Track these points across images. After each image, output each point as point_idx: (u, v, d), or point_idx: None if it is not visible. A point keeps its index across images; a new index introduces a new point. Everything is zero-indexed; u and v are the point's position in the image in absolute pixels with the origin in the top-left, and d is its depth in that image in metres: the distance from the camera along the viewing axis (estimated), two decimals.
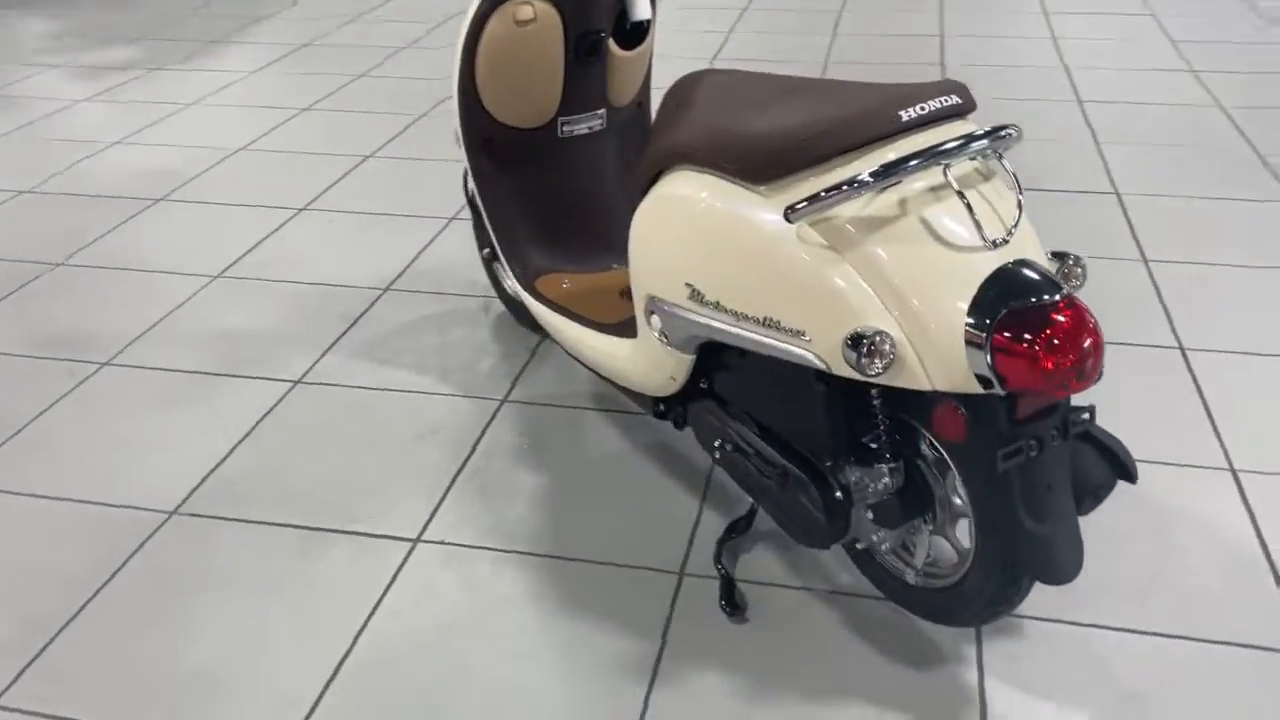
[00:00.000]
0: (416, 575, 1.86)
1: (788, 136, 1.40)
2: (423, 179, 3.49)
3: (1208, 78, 4.20)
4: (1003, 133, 1.35)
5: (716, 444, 1.72)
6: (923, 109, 1.37)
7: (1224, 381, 2.33)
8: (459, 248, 3.01)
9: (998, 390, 1.26)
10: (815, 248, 1.37)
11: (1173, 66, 4.35)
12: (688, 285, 1.56)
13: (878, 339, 1.31)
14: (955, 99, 1.40)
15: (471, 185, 2.26)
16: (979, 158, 1.39)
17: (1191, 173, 3.37)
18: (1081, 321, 1.23)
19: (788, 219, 1.37)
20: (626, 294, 1.92)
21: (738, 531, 1.87)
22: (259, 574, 1.87)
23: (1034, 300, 1.25)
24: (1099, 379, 1.26)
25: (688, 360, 1.70)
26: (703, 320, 1.56)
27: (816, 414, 1.52)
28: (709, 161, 1.51)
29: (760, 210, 1.43)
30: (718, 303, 1.52)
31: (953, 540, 1.59)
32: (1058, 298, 1.25)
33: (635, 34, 2.22)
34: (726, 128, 1.51)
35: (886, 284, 1.33)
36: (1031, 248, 1.35)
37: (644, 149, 1.81)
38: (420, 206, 3.28)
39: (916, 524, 1.58)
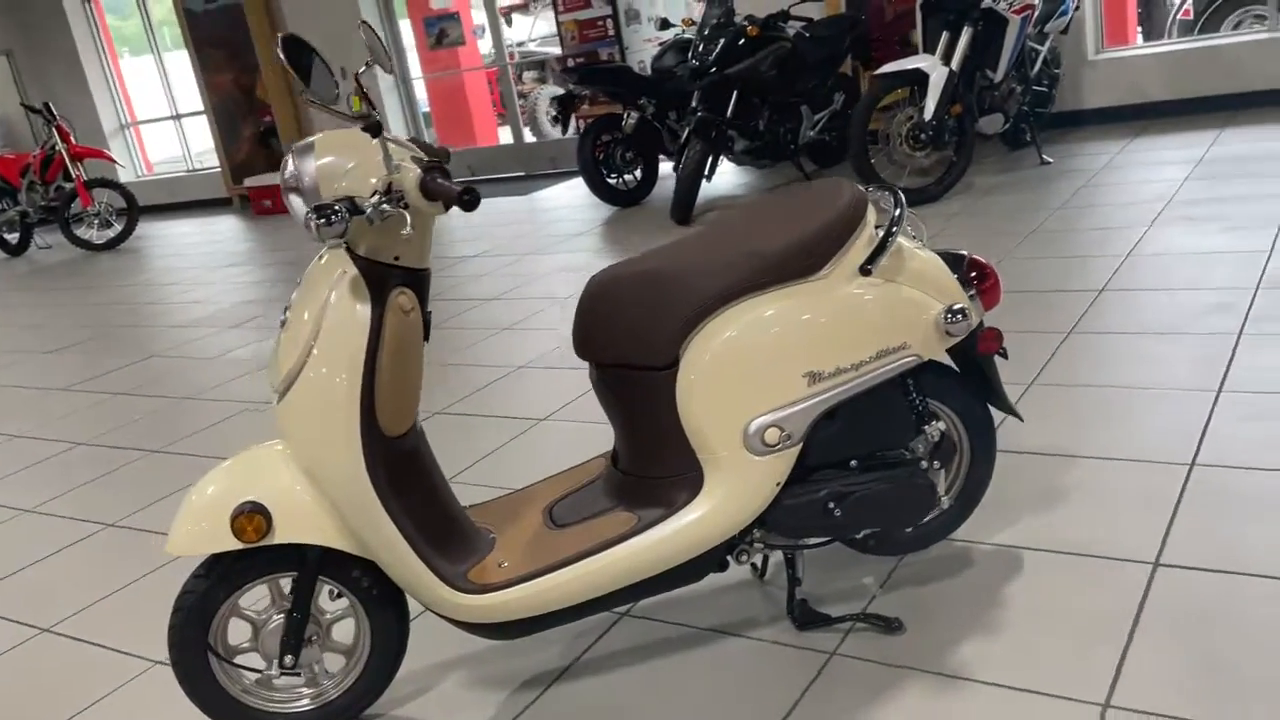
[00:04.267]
0: None
1: (804, 239, 1.87)
2: None
3: None
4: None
5: (831, 506, 1.93)
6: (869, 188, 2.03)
7: None
8: None
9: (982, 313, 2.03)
10: (885, 285, 1.90)
11: None
12: (806, 375, 1.85)
13: (964, 308, 1.92)
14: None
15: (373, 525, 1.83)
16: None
17: None
18: (984, 266, 2.04)
19: (865, 273, 1.89)
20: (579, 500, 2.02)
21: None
22: None
23: (963, 261, 2.04)
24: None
25: (795, 452, 1.88)
26: (827, 395, 1.87)
27: (898, 412, 1.98)
28: (755, 286, 1.86)
29: (835, 286, 1.88)
30: (836, 369, 1.86)
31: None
32: (972, 259, 2.06)
33: None
34: (744, 262, 1.86)
35: (925, 282, 1.94)
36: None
37: None
38: None
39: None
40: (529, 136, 10.10)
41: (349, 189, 1.72)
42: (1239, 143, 5.35)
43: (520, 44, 13.31)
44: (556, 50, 12.83)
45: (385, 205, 1.67)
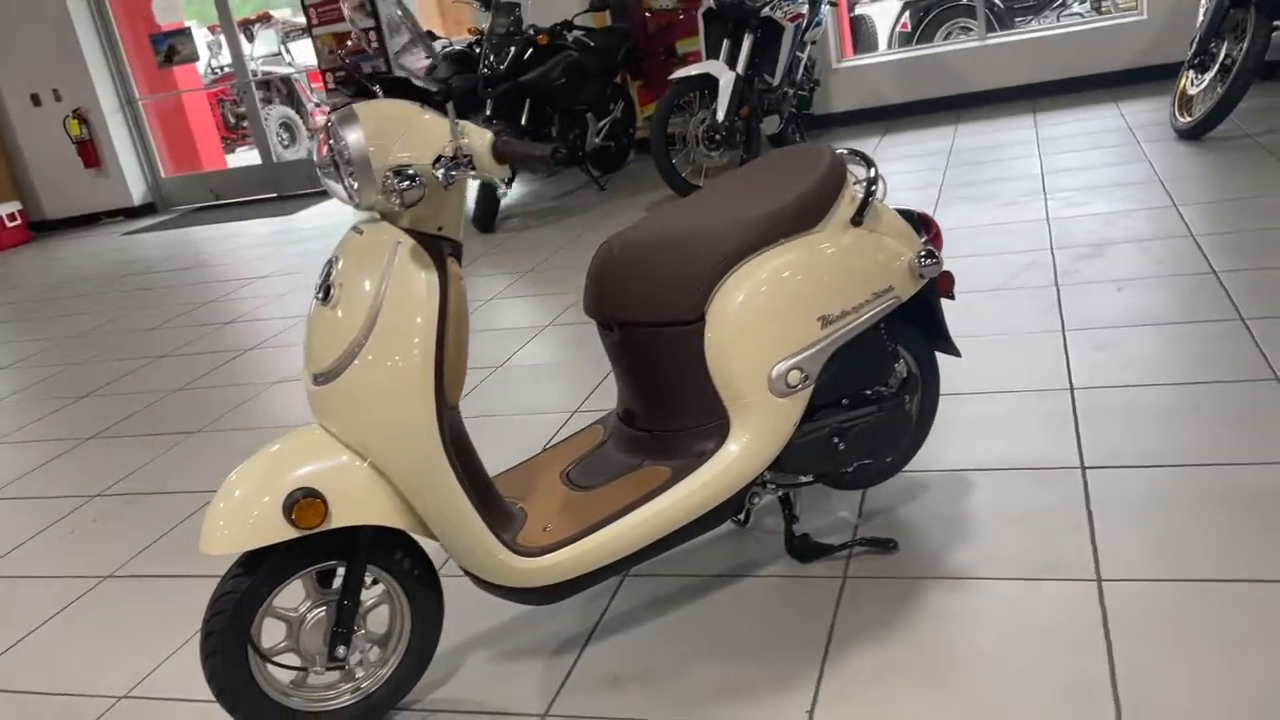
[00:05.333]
0: None
1: (803, 196, 2.04)
2: None
3: None
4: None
5: (835, 440, 2.10)
6: (842, 150, 2.19)
7: None
8: None
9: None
10: (872, 235, 2.10)
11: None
12: (819, 319, 2.01)
13: (931, 251, 2.14)
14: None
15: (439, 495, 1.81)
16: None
17: None
18: (928, 219, 2.25)
19: (856, 225, 2.09)
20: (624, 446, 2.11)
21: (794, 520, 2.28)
22: None
23: (914, 215, 2.26)
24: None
25: (809, 392, 2.02)
26: (837, 334, 2.03)
27: (879, 351, 2.18)
28: (766, 242, 2.01)
29: (834, 237, 2.06)
30: (842, 311, 2.03)
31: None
32: (920, 213, 2.28)
33: None
34: (757, 219, 2.01)
35: (895, 232, 2.16)
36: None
37: None
38: None
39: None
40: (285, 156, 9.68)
41: (406, 157, 1.72)
42: (975, 135, 6.09)
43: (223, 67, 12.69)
44: (283, 69, 12.41)
45: (455, 171, 1.68)
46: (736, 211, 2.04)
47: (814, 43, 6.55)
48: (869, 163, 2.14)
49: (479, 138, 1.71)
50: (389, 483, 1.78)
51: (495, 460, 2.14)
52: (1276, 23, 4.78)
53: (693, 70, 5.54)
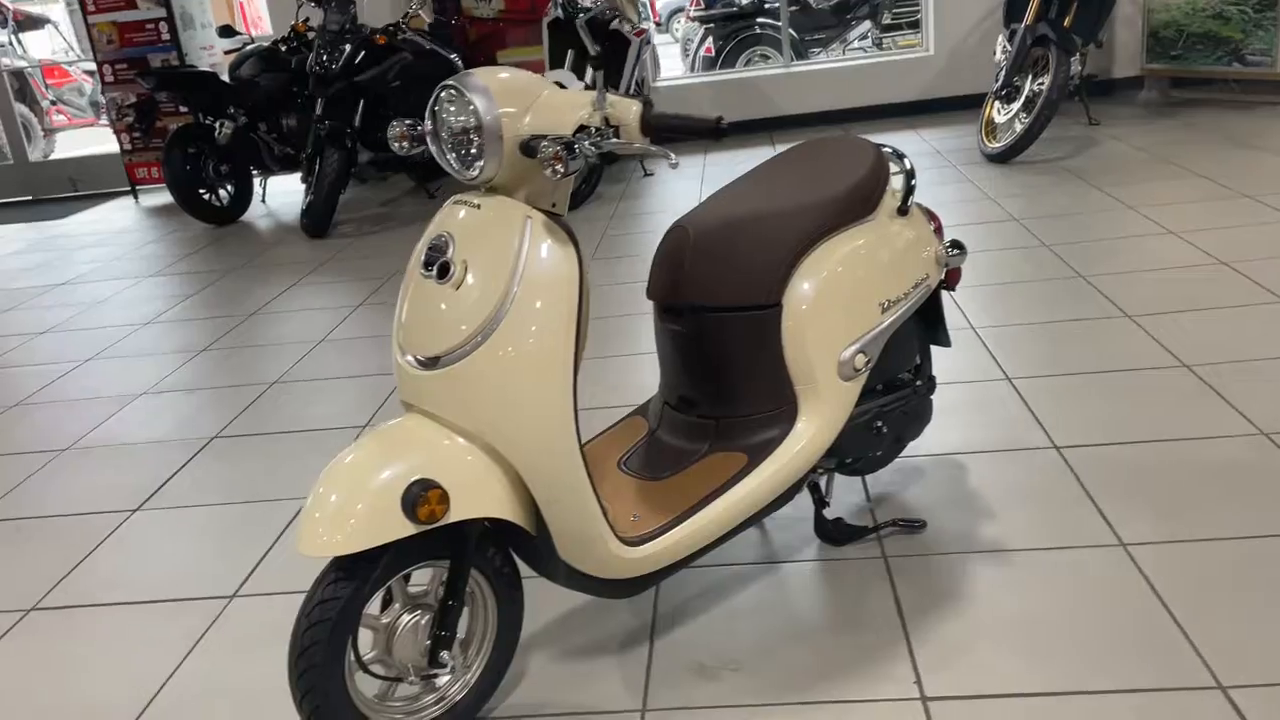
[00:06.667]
0: None
1: (859, 185, 2.10)
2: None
3: None
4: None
5: (878, 424, 2.19)
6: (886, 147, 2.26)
7: None
8: None
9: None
10: (911, 224, 2.19)
11: None
12: (880, 303, 2.08)
13: (957, 242, 2.26)
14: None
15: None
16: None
17: None
18: (933, 214, 2.31)
19: (903, 214, 2.18)
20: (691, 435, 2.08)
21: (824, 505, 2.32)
22: None
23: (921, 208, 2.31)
24: None
25: (865, 376, 2.08)
26: (893, 320, 2.10)
27: (913, 339, 2.28)
28: (833, 228, 2.06)
29: (887, 225, 2.14)
30: (898, 297, 2.11)
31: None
32: (925, 207, 2.33)
33: None
34: (826, 205, 2.05)
35: (919, 223, 2.24)
36: None
37: None
38: None
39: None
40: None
41: (542, 126, 1.63)
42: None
43: None
44: (14, 62, 11.15)
45: (601, 142, 1.61)
46: (799, 196, 2.07)
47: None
48: (901, 155, 2.24)
49: (627, 108, 1.66)
50: (502, 473, 1.67)
51: None
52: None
53: (549, 78, 5.50)
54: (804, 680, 1.88)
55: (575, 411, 1.67)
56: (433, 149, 1.68)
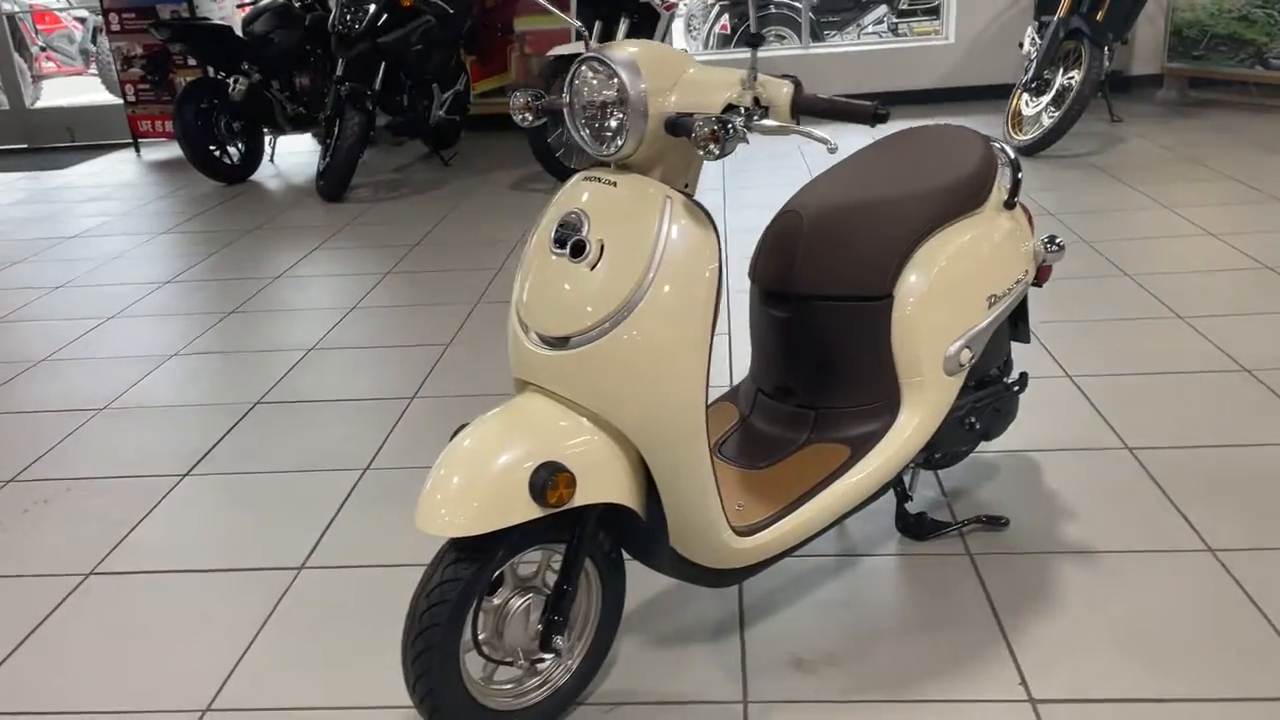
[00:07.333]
0: None
1: (970, 176, 2.04)
2: None
3: None
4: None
5: (971, 420, 2.18)
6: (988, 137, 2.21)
7: None
8: None
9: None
10: (1015, 217, 2.16)
11: None
12: (987, 298, 2.04)
13: (1054, 237, 2.23)
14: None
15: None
16: None
17: None
18: (1024, 208, 2.24)
19: (1010, 208, 2.16)
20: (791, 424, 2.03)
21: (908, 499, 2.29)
22: None
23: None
24: None
25: (966, 373, 2.05)
26: (997, 315, 2.07)
27: (1005, 335, 2.27)
28: (945, 219, 2.01)
29: (995, 219, 2.09)
30: (1003, 291, 2.08)
31: None
32: None
33: None
34: (932, 196, 2.00)
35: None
36: None
37: None
38: None
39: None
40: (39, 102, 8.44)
41: (688, 104, 1.58)
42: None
43: None
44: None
45: (752, 122, 1.56)
46: (909, 186, 2.03)
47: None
48: (1002, 146, 2.20)
49: (777, 89, 1.60)
50: (624, 457, 1.63)
51: None
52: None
53: (567, 49, 5.42)
54: (904, 677, 1.85)
55: (706, 398, 1.63)
56: (568, 123, 1.62)
